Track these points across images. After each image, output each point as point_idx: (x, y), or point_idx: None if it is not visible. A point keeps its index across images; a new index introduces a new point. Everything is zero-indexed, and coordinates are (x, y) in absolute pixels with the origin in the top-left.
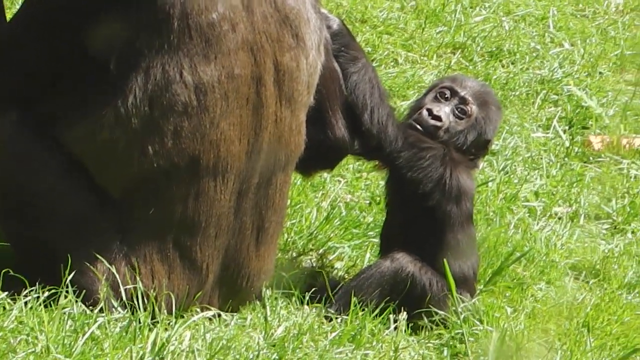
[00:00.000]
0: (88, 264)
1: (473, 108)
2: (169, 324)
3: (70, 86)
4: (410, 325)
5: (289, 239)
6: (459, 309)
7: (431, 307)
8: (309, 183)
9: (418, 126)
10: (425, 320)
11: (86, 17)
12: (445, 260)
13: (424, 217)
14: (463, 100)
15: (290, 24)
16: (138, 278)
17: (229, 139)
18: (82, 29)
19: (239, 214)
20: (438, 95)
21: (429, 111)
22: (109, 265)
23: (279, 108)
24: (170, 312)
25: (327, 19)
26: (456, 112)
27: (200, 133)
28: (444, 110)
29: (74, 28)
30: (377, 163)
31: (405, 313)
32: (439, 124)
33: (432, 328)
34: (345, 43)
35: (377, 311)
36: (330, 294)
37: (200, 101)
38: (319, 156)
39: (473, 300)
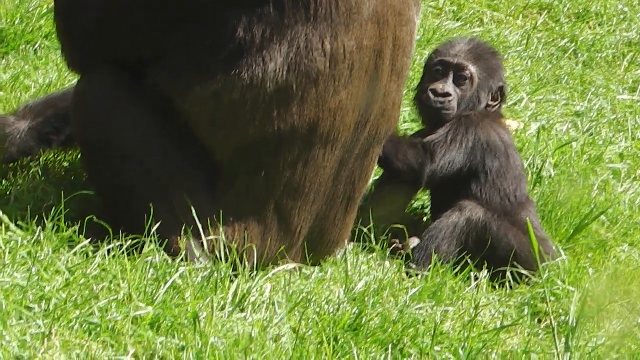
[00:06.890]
0: (173, 214)
1: (471, 69)
2: (250, 276)
3: (193, 46)
4: (490, 274)
5: None
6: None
7: (515, 263)
8: None
9: (429, 108)
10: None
11: None
12: (528, 219)
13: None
14: (458, 68)
15: None
16: (221, 230)
17: (345, 108)
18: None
19: (336, 182)
20: (435, 75)
21: (434, 92)
22: (195, 216)
23: (389, 82)
24: (253, 269)
25: None
26: (458, 81)
27: (323, 100)
28: (448, 85)
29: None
30: None
31: (486, 271)
32: (449, 98)
33: (512, 287)
34: None
35: (458, 268)
36: (410, 250)
37: (332, 69)
38: None
39: (557, 261)
